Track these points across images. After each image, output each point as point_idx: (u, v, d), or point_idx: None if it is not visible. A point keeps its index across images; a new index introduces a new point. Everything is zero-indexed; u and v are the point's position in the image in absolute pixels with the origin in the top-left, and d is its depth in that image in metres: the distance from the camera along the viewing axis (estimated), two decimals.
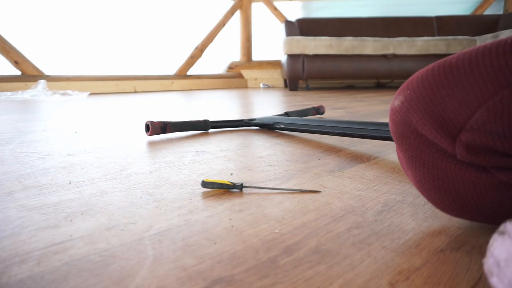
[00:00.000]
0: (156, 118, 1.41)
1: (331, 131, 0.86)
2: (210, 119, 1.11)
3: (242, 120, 1.14)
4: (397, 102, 0.38)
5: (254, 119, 1.14)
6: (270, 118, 1.10)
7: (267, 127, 1.11)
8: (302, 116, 1.34)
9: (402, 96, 0.37)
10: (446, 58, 0.36)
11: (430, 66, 0.37)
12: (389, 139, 0.75)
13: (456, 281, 0.30)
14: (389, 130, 0.75)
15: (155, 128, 0.96)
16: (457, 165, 0.35)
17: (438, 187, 0.37)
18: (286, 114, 1.27)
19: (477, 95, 0.31)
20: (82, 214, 0.45)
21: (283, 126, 1.03)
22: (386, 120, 1.31)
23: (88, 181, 0.59)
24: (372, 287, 0.30)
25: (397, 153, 0.42)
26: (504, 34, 3.21)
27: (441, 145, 0.35)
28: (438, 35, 4.14)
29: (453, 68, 0.34)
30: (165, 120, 0.99)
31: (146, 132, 0.98)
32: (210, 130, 1.10)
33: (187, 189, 0.55)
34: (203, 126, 1.06)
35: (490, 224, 0.39)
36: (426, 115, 0.35)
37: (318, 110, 1.42)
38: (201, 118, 1.17)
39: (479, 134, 0.31)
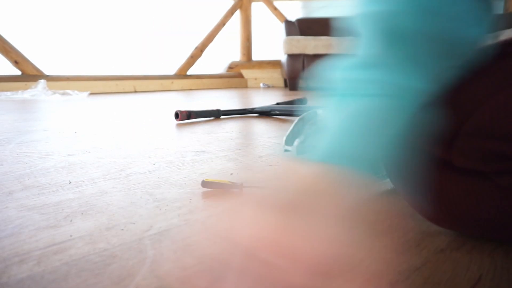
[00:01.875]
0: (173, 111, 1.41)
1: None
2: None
3: (245, 109, 1.46)
4: None
5: (254, 108, 1.46)
6: (268, 106, 1.43)
7: (265, 114, 1.42)
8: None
9: None
10: None
11: None
12: None
13: (456, 280, 0.30)
14: None
15: (183, 115, 1.26)
16: (452, 173, 0.32)
17: (430, 199, 0.34)
18: (278, 104, 1.58)
19: (472, 97, 0.30)
20: (82, 214, 0.45)
21: (278, 113, 1.39)
22: None
23: (88, 181, 0.59)
24: (372, 287, 0.30)
25: (386, 168, 0.39)
26: (504, 34, 3.21)
27: (435, 153, 0.32)
28: None
29: None
30: (189, 110, 1.30)
31: (176, 118, 1.26)
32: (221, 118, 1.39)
33: (187, 189, 0.55)
34: (216, 114, 1.37)
35: (483, 237, 0.37)
36: None
37: (302, 101, 1.67)
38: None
39: (477, 138, 0.29)
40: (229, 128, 1.15)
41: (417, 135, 0.32)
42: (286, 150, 0.41)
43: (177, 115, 1.26)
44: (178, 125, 1.22)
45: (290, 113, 1.37)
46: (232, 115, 1.43)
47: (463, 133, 0.30)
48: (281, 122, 1.29)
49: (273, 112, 1.40)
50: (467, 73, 0.30)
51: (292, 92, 3.32)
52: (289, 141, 0.40)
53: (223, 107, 1.46)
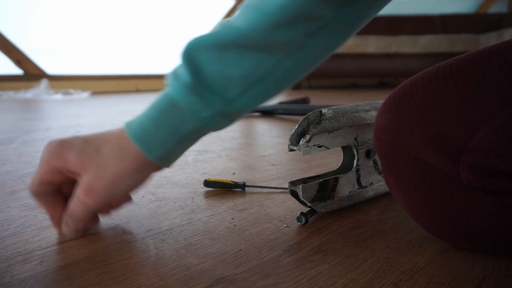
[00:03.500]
0: None
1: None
2: None
3: None
4: (383, 120, 0.34)
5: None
6: (270, 106, 1.42)
7: (268, 113, 1.43)
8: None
9: (390, 113, 0.33)
10: (436, 66, 0.32)
11: (420, 75, 0.33)
12: None
13: (460, 281, 0.30)
14: None
15: None
16: (459, 189, 0.30)
17: (435, 215, 0.33)
18: (280, 103, 1.57)
19: (479, 111, 0.28)
20: None
21: (281, 112, 1.39)
22: None
23: None
24: (376, 286, 0.29)
25: (385, 176, 0.37)
26: (508, 32, 3.19)
27: (441, 168, 0.31)
28: (442, 33, 4.12)
29: (447, 77, 0.30)
30: None
31: None
32: None
33: (190, 188, 0.55)
34: None
35: (489, 253, 0.35)
36: (420, 133, 0.30)
37: (305, 100, 1.66)
38: None
39: (485, 154, 0.28)
40: (231, 127, 1.15)
41: (422, 150, 0.31)
42: (291, 150, 0.41)
43: None
44: None
45: (293, 112, 1.38)
46: None
47: (468, 149, 0.28)
48: (283, 121, 1.29)
49: (276, 111, 1.41)
50: (468, 88, 0.29)
51: (294, 91, 3.32)
52: (294, 140, 0.40)
53: None
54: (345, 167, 0.46)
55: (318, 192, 0.42)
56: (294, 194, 0.41)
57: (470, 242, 0.33)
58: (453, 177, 0.30)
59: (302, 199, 0.41)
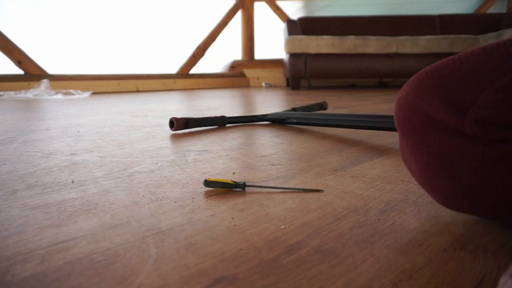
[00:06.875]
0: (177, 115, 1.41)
1: (341, 124, 0.93)
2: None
3: (255, 116, 1.22)
4: (405, 90, 0.40)
5: (266, 115, 1.22)
6: (282, 113, 1.18)
7: (279, 122, 1.19)
8: (308, 111, 1.41)
9: (411, 84, 0.39)
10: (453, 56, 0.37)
11: (439, 61, 0.38)
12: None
13: (459, 280, 0.30)
14: None
15: (179, 124, 1.04)
16: (463, 141, 0.35)
17: (441, 171, 0.37)
18: (293, 109, 1.33)
19: (485, 77, 0.34)
20: (85, 213, 0.45)
21: (295, 121, 1.12)
22: None
23: (91, 180, 0.59)
24: (375, 286, 0.30)
25: (400, 142, 0.42)
26: (507, 33, 3.19)
27: (449, 122, 0.36)
28: (441, 33, 4.12)
29: (462, 58, 0.36)
30: (187, 117, 1.09)
31: (170, 127, 1.04)
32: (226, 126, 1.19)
33: (190, 188, 0.55)
34: (220, 122, 1.14)
35: (488, 218, 0.39)
36: (435, 97, 0.36)
37: (322, 106, 1.48)
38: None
39: (488, 110, 0.33)
40: (232, 127, 1.15)
41: (435, 110, 0.36)
42: None
43: (172, 124, 1.05)
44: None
45: (310, 122, 1.06)
46: (239, 123, 1.20)
47: (473, 107, 0.34)
48: (291, 128, 1.29)
49: (289, 121, 1.14)
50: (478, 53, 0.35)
51: (294, 91, 3.32)
52: None
53: (226, 106, 1.45)
54: None
55: None
56: None
57: (470, 203, 0.37)
58: (459, 130, 0.36)
59: None
